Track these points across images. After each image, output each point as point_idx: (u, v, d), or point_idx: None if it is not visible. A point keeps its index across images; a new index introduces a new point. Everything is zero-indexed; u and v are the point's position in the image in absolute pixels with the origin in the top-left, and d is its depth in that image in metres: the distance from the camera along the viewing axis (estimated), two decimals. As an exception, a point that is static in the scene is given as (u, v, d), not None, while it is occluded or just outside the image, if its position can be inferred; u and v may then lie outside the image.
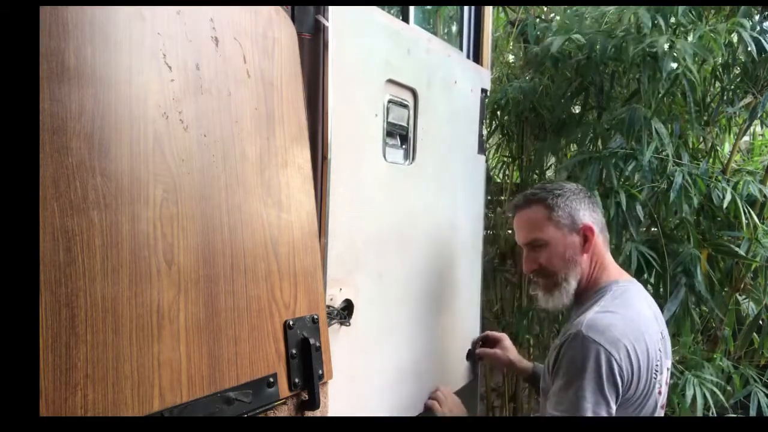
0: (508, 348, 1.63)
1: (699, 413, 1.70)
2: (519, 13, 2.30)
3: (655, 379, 1.24)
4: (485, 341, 1.69)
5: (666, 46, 1.62)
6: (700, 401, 1.68)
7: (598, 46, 1.79)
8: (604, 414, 1.16)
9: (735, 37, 1.76)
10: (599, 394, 1.16)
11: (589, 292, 1.32)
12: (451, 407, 1.46)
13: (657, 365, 1.25)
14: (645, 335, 1.22)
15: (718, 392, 1.73)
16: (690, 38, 1.71)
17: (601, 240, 1.33)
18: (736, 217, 1.76)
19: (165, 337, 0.79)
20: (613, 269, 1.35)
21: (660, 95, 1.80)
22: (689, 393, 1.69)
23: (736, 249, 1.77)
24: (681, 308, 1.75)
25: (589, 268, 1.32)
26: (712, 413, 1.73)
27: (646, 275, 1.75)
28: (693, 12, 1.77)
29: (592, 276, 1.32)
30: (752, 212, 1.73)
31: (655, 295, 1.81)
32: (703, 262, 1.77)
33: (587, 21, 1.95)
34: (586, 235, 1.30)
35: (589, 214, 1.32)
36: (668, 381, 1.35)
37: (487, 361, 1.73)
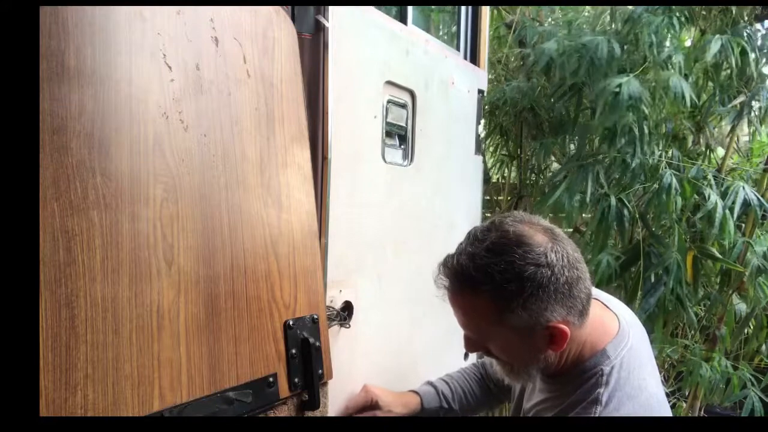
0: (388, 403, 1.24)
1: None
2: (516, 14, 2.30)
3: None
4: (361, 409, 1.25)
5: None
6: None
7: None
8: None
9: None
10: None
11: (569, 374, 0.99)
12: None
13: None
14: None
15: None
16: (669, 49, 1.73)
17: (578, 322, 0.94)
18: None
19: (165, 337, 0.79)
20: (597, 330, 0.98)
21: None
22: None
23: (719, 254, 1.78)
24: (657, 307, 1.75)
25: (562, 355, 0.97)
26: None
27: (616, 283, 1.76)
28: (683, 16, 1.78)
29: (567, 360, 0.98)
30: (732, 220, 1.72)
31: (633, 296, 1.82)
32: (689, 265, 1.77)
33: (578, 21, 1.96)
34: (554, 335, 0.92)
35: (563, 305, 0.90)
36: None
37: None
